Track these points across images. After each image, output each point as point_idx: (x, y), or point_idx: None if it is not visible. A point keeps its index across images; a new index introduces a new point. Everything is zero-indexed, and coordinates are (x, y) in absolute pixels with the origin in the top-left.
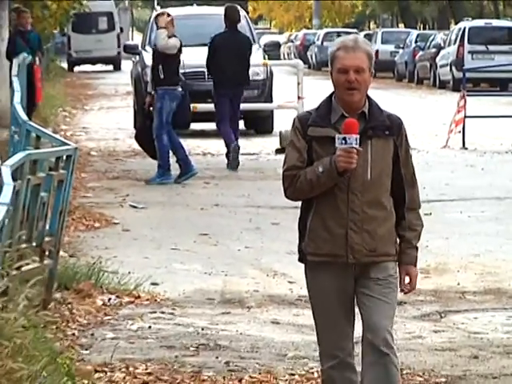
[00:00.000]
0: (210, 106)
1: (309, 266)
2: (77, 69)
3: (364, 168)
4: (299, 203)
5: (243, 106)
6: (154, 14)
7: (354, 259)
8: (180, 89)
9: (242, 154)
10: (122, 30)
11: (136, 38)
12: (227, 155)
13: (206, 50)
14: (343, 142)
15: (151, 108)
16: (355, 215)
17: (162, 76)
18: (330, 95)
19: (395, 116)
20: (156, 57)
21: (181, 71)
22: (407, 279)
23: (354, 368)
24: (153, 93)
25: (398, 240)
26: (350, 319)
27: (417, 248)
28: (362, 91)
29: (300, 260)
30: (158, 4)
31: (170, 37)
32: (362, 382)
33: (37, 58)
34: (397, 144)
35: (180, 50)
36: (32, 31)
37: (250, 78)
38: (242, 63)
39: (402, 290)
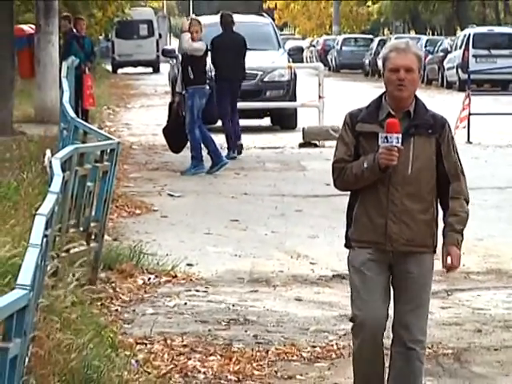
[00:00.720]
0: (241, 105)
1: (352, 249)
2: (120, 71)
3: (405, 163)
4: (320, 192)
5: (270, 104)
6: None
7: (391, 247)
8: (208, 87)
9: (269, 148)
10: (160, 35)
11: (173, 43)
12: (228, 147)
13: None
14: (385, 140)
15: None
16: (394, 207)
17: (191, 76)
18: (381, 95)
19: (440, 116)
20: (184, 59)
21: (210, 73)
22: (449, 259)
23: (382, 345)
24: (183, 92)
25: (436, 232)
26: (383, 299)
27: (460, 232)
28: (411, 89)
29: (346, 246)
30: (193, 12)
31: (196, 40)
32: (389, 369)
33: (86, 68)
34: (439, 142)
35: (206, 53)
36: (86, 37)
37: (277, 80)
38: (238, 61)
39: (444, 267)
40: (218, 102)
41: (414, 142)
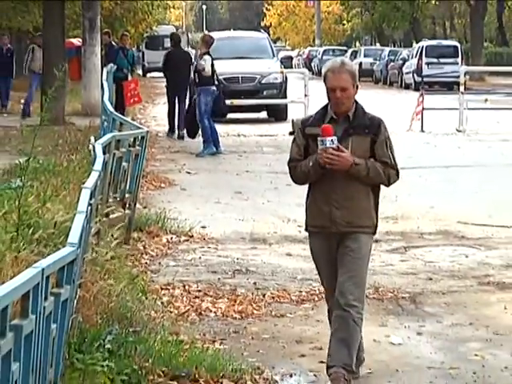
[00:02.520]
0: (243, 101)
1: (309, 234)
2: (148, 75)
3: None
4: None
5: (267, 101)
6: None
7: (336, 229)
8: (214, 87)
9: (265, 135)
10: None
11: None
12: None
13: (239, 62)
14: (321, 143)
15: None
16: (335, 195)
17: (197, 80)
18: (328, 103)
19: (376, 118)
20: (194, 71)
21: (220, 77)
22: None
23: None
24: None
25: (375, 216)
26: (335, 274)
27: (368, 167)
28: (347, 103)
29: (306, 230)
30: (206, 29)
31: (204, 54)
32: (331, 334)
33: (129, 73)
34: (375, 140)
35: (212, 64)
36: (130, 49)
37: (271, 82)
38: (184, 72)
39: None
40: (167, 97)
41: (352, 140)
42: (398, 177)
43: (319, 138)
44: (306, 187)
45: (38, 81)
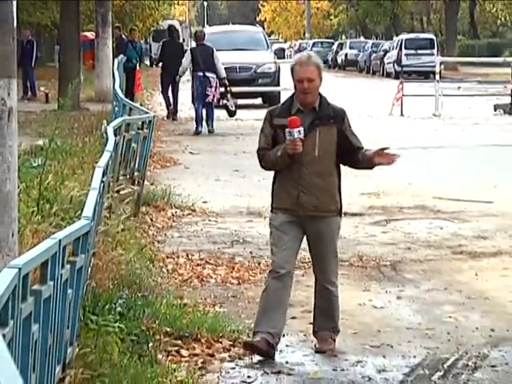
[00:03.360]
0: (241, 89)
1: (274, 213)
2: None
3: (313, 147)
4: None
5: (262, 88)
6: (204, 30)
7: (303, 212)
8: (200, 73)
9: (261, 120)
10: (184, 40)
11: (193, 45)
12: (168, 115)
13: (237, 53)
14: (289, 134)
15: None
16: (304, 181)
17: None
18: (292, 94)
19: (339, 108)
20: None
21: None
22: (383, 155)
23: (287, 285)
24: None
25: (340, 200)
26: (295, 252)
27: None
28: (314, 94)
29: (271, 211)
30: (207, 23)
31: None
32: (314, 299)
33: (137, 64)
34: (341, 129)
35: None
36: (138, 42)
37: (266, 71)
38: (177, 60)
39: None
40: (161, 82)
41: (319, 130)
42: None
43: (287, 130)
44: None
45: None
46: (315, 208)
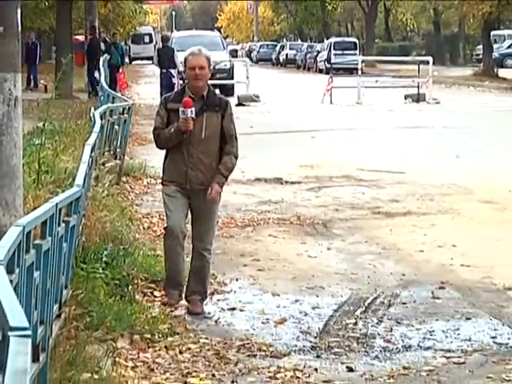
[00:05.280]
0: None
1: (164, 185)
2: (133, 62)
3: (200, 130)
4: (247, 131)
5: (220, 81)
6: (172, 34)
7: (190, 186)
8: (166, 70)
9: None
10: (156, 42)
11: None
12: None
13: None
14: (183, 113)
15: None
16: (192, 159)
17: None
18: (185, 85)
19: (224, 99)
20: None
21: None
22: (209, 191)
23: (182, 246)
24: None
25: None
26: (185, 216)
27: (224, 176)
28: (204, 80)
29: (162, 184)
30: (175, 28)
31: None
32: (189, 271)
33: (119, 62)
34: (224, 116)
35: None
36: (119, 43)
37: (222, 68)
38: (169, 61)
39: (207, 195)
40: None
41: (206, 116)
42: (237, 146)
43: (181, 109)
44: (249, 145)
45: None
46: (201, 183)
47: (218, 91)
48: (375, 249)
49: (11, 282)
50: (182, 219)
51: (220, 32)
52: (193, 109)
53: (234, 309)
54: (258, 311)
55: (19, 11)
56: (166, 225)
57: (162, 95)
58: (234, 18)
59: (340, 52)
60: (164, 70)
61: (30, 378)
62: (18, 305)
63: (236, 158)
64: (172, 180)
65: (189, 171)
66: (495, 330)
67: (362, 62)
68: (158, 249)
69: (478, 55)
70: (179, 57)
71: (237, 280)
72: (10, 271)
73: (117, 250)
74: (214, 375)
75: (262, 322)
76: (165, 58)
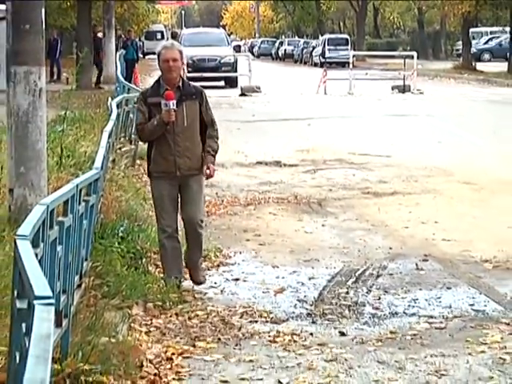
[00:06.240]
0: (209, 74)
1: (153, 178)
2: (147, 57)
3: (182, 119)
4: (249, 119)
5: (224, 74)
6: (182, 31)
7: (179, 173)
8: None
9: (223, 97)
10: (167, 39)
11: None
12: None
13: (206, 48)
14: (165, 105)
15: None
16: (179, 147)
17: None
18: (159, 78)
19: (199, 87)
20: None
21: (194, 58)
22: (208, 171)
23: (178, 239)
24: None
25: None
26: (176, 211)
27: (213, 155)
28: (177, 72)
29: (148, 175)
30: (184, 26)
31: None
32: (187, 245)
33: (135, 57)
34: (201, 103)
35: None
36: (135, 40)
37: (227, 61)
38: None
39: (206, 176)
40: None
41: (185, 105)
42: (217, 129)
43: (163, 102)
44: (251, 131)
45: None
46: (189, 168)
47: (223, 83)
48: (365, 225)
49: (36, 255)
50: (173, 218)
51: (225, 29)
52: (174, 101)
53: (237, 279)
54: (259, 281)
55: (43, 11)
56: (159, 223)
57: None
58: (237, 17)
59: (333, 47)
60: None
61: (53, 342)
62: (42, 276)
63: (218, 139)
64: (159, 170)
65: (177, 159)
66: (473, 298)
67: (353, 56)
68: None
69: (457, 50)
70: (186, 51)
71: (240, 253)
72: (35, 246)
73: (132, 226)
74: (219, 339)
75: (263, 292)
76: None
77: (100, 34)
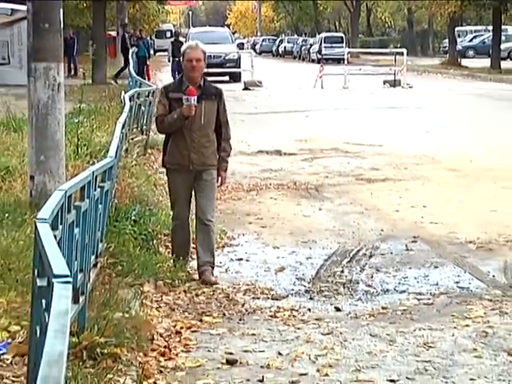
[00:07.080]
0: (214, 70)
1: (168, 170)
2: (157, 54)
3: (200, 116)
4: (252, 111)
5: (229, 69)
6: (189, 30)
7: (193, 168)
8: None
9: (228, 91)
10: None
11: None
12: None
13: (212, 45)
14: (187, 100)
15: None
16: (194, 143)
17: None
18: (182, 75)
19: (219, 88)
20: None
21: None
22: (219, 179)
23: (189, 227)
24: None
25: (217, 156)
26: (189, 201)
27: (227, 161)
28: (200, 71)
29: (163, 166)
30: (192, 25)
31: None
32: (196, 239)
33: (146, 54)
34: (219, 104)
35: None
36: (146, 38)
37: (231, 58)
38: (179, 52)
39: (219, 183)
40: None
41: (204, 104)
42: (230, 129)
43: (185, 97)
44: (254, 123)
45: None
46: (202, 163)
47: (227, 78)
48: (358, 209)
49: (55, 237)
50: (186, 206)
51: (229, 28)
52: (195, 97)
53: (241, 259)
54: (261, 261)
55: (61, 11)
56: (172, 210)
57: (174, 78)
58: (240, 17)
59: (329, 45)
60: (176, 59)
61: (70, 317)
62: (60, 256)
63: (230, 139)
64: (174, 162)
65: (191, 154)
66: (458, 276)
67: (348, 53)
68: None
69: (444, 47)
70: None
71: (243, 235)
72: (54, 228)
73: (143, 210)
74: (224, 314)
75: (265, 270)
76: (175, 50)
77: (137, 33)
